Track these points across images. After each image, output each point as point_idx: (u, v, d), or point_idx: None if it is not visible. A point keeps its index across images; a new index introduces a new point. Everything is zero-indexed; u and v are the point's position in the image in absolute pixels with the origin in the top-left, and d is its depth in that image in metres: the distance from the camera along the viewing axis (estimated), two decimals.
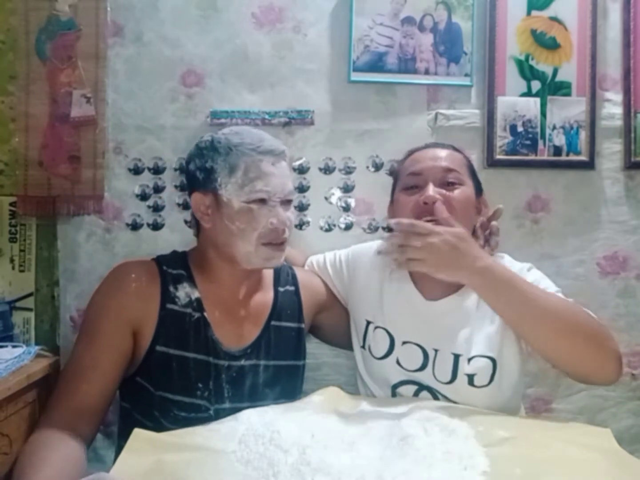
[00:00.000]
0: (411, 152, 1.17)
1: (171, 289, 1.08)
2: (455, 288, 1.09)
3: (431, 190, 1.02)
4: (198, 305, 1.08)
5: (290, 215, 1.09)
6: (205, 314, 1.08)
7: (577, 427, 0.98)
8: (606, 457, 0.84)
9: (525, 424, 1.02)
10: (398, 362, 1.08)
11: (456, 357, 1.03)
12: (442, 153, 1.11)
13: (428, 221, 0.99)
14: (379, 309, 1.13)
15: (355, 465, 0.81)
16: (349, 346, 1.28)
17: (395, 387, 1.08)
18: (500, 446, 0.86)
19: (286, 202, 1.08)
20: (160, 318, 1.05)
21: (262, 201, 1.04)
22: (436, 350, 1.05)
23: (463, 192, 1.06)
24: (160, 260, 1.12)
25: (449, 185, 1.05)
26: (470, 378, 1.02)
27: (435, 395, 1.05)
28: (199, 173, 1.08)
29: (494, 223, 1.16)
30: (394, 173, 1.23)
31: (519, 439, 0.88)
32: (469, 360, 1.03)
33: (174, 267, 1.11)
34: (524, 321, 0.97)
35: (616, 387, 1.49)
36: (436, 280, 1.00)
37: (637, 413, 1.49)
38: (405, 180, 1.10)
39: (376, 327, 1.12)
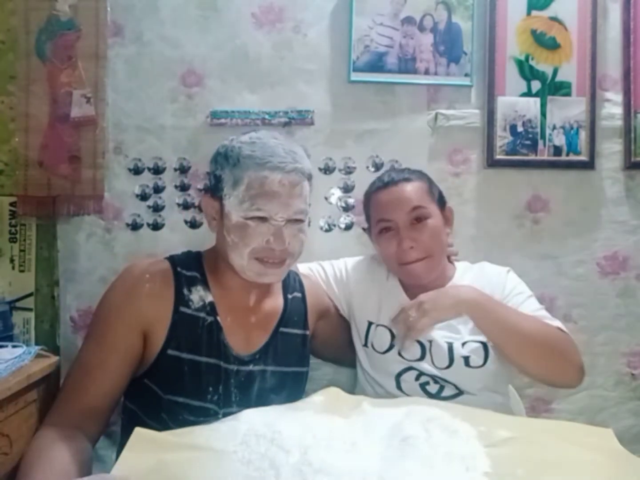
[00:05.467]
0: (373, 191, 1.20)
1: (185, 291, 1.05)
2: None
3: (404, 242, 1.13)
4: (211, 309, 1.06)
5: (301, 235, 1.05)
6: (218, 317, 1.06)
7: (579, 428, 0.98)
8: (609, 458, 0.84)
9: (526, 424, 1.02)
10: (400, 354, 1.15)
11: (449, 344, 1.12)
12: (405, 190, 1.15)
13: (409, 262, 1.14)
14: (379, 310, 1.21)
15: (356, 465, 0.80)
16: (336, 358, 1.35)
17: (399, 375, 1.14)
18: (502, 446, 0.85)
19: (293, 222, 1.03)
20: (173, 321, 1.03)
21: (262, 219, 1.01)
22: (430, 341, 1.13)
23: (430, 224, 1.15)
24: (174, 261, 1.09)
25: (417, 220, 1.14)
26: (466, 360, 1.11)
27: (435, 380, 1.12)
28: (212, 178, 1.06)
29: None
30: (364, 207, 1.26)
31: (520, 439, 0.88)
32: (463, 344, 1.12)
33: (188, 269, 1.08)
34: (505, 341, 1.11)
35: (616, 387, 1.49)
36: (422, 290, 1.15)
37: (637, 413, 1.49)
38: (379, 225, 1.18)
39: (377, 326, 1.19)
